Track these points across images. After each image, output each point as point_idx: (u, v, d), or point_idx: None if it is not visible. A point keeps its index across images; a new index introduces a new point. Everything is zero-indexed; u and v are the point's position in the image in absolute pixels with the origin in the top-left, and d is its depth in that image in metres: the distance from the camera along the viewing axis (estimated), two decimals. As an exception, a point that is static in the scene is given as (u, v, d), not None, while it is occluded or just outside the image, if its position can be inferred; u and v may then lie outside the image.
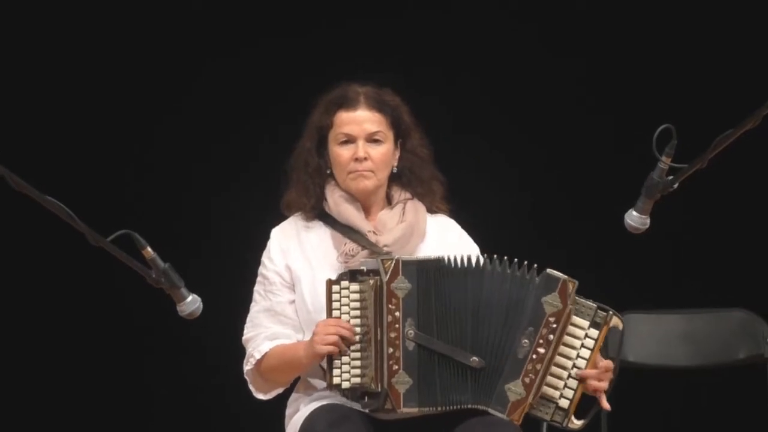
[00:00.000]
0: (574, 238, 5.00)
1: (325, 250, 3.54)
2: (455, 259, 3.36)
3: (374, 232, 3.50)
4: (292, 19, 5.08)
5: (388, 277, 3.30)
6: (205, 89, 5.08)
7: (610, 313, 3.36)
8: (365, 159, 3.50)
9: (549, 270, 3.35)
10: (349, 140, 3.52)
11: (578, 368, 3.35)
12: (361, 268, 3.37)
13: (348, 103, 3.54)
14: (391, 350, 3.29)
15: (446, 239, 3.59)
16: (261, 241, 3.65)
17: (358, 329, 3.33)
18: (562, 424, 3.36)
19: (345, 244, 3.51)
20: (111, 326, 5.09)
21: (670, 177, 3.15)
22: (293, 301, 3.53)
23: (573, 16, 5.03)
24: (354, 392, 3.33)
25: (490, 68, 5.04)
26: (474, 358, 3.31)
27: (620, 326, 3.37)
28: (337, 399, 3.40)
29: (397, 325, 3.29)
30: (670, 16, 4.98)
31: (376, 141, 3.53)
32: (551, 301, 3.32)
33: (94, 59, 5.04)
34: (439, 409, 3.32)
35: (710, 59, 4.97)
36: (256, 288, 3.58)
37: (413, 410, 3.31)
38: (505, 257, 3.37)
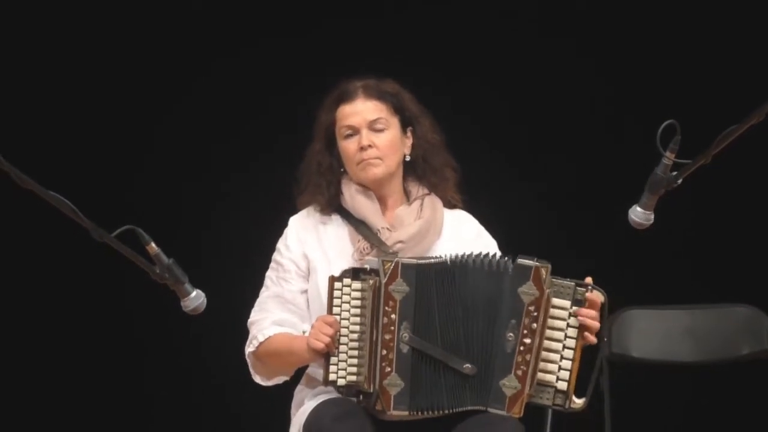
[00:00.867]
0: (578, 233, 4.99)
1: (343, 245, 3.55)
2: (452, 260, 3.37)
3: (389, 229, 3.51)
4: (293, 18, 5.08)
5: (386, 279, 3.31)
6: (208, 85, 5.08)
7: (590, 288, 3.36)
8: (370, 147, 3.52)
9: (519, 259, 3.35)
10: (353, 132, 3.54)
11: (569, 348, 3.34)
12: (365, 266, 3.38)
13: (347, 97, 3.57)
14: (384, 352, 3.30)
15: (463, 235, 3.59)
16: (264, 240, 3.65)
17: (356, 327, 3.34)
18: (564, 407, 3.36)
19: (359, 241, 3.52)
20: (111, 324, 5.09)
21: (674, 173, 3.14)
22: (305, 291, 3.54)
23: (582, 12, 5.03)
24: (349, 390, 3.34)
25: (496, 66, 5.04)
26: (467, 365, 3.31)
27: (603, 299, 3.36)
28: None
29: (392, 328, 3.30)
30: (675, 11, 4.97)
31: (378, 129, 3.54)
32: (527, 290, 3.31)
33: (97, 56, 5.05)
34: (430, 413, 3.32)
35: (714, 55, 4.97)
36: (269, 273, 3.59)
37: (403, 413, 3.31)
38: (484, 253, 3.37)
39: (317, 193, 3.59)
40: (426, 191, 3.61)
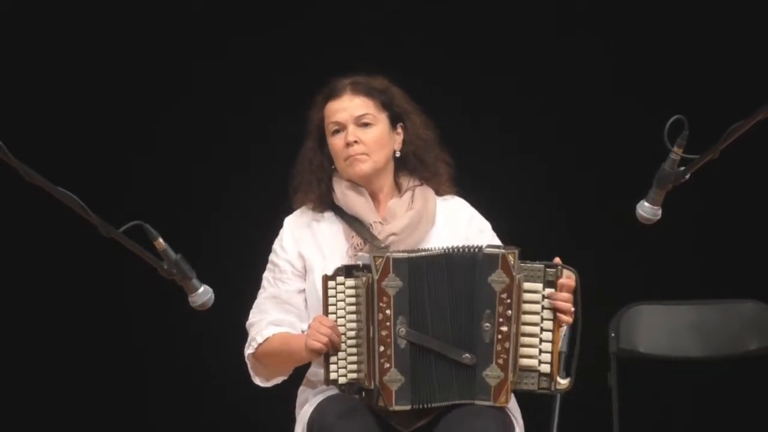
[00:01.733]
0: (585, 229, 4.99)
1: (337, 242, 3.55)
2: (440, 252, 3.36)
3: (381, 223, 3.51)
4: (296, 10, 5.08)
5: (378, 275, 3.30)
6: (210, 84, 5.08)
7: (559, 267, 3.35)
8: (356, 142, 3.52)
9: (486, 249, 3.34)
10: (340, 128, 3.55)
11: (547, 330, 3.34)
12: (357, 263, 3.38)
13: (335, 93, 3.59)
14: (382, 348, 3.29)
15: (457, 221, 3.59)
16: (268, 237, 3.66)
17: (354, 325, 3.34)
18: (550, 389, 3.35)
19: (352, 237, 3.52)
20: (111, 324, 5.09)
21: (682, 168, 3.14)
22: (302, 291, 3.54)
23: (591, 5, 5.03)
24: (351, 388, 3.34)
25: (506, 57, 5.04)
26: (466, 355, 3.31)
27: (573, 278, 3.35)
28: (342, 393, 3.42)
29: (388, 323, 3.29)
30: (683, 7, 4.96)
31: (365, 124, 3.55)
32: (497, 279, 3.31)
33: (101, 54, 5.04)
34: (433, 405, 3.32)
35: (722, 51, 4.96)
36: (266, 275, 3.60)
37: (406, 408, 3.30)
38: (463, 245, 3.37)
39: (309, 191, 3.60)
40: (417, 182, 3.61)
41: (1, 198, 4.86)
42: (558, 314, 3.34)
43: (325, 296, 3.35)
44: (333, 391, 3.41)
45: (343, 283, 3.35)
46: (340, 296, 3.35)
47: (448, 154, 3.66)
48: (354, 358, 3.33)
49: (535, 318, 3.34)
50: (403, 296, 3.30)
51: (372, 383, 3.30)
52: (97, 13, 5.01)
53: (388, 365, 3.29)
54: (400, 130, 3.61)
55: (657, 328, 4.47)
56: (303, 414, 3.45)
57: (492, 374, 3.30)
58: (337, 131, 3.55)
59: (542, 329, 3.34)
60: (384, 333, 3.29)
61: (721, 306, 4.52)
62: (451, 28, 5.05)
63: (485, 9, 5.03)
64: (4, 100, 4.91)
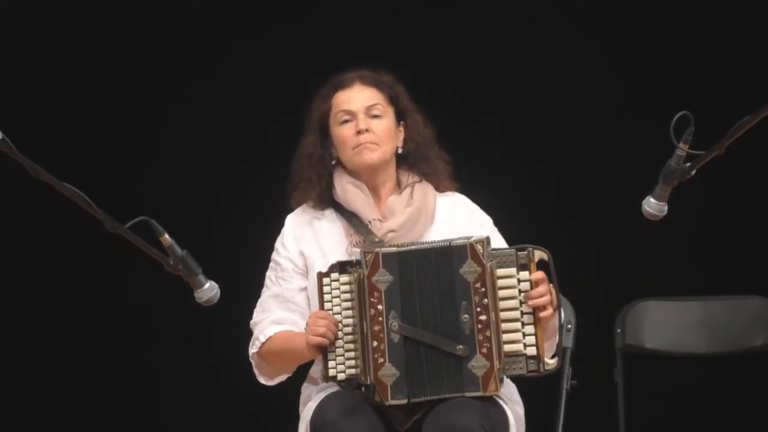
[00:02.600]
0: (591, 225, 4.99)
1: (337, 239, 3.56)
2: (429, 246, 3.36)
3: (380, 220, 3.51)
4: (301, 10, 5.09)
5: (368, 270, 3.31)
6: (217, 76, 5.08)
7: (530, 249, 3.35)
8: (367, 131, 3.52)
9: (453, 242, 3.34)
10: (350, 117, 3.55)
11: (527, 313, 3.33)
12: (352, 259, 3.38)
13: (343, 84, 3.60)
14: (375, 343, 3.30)
15: (457, 217, 3.59)
16: (271, 235, 3.66)
17: (350, 321, 3.34)
18: (539, 371, 3.35)
19: (351, 235, 3.52)
20: (118, 319, 5.10)
21: (688, 164, 3.14)
22: (304, 288, 3.55)
23: (596, 2, 5.03)
24: (350, 383, 3.35)
25: (509, 54, 5.04)
26: (460, 346, 3.31)
27: (546, 257, 3.35)
28: (343, 389, 3.42)
29: (380, 318, 3.30)
30: (688, 3, 4.96)
31: (375, 115, 3.56)
32: (468, 269, 3.31)
33: (105, 50, 5.04)
34: (429, 398, 3.32)
35: (728, 46, 4.95)
36: (268, 273, 3.61)
37: (402, 402, 3.31)
38: (441, 239, 3.38)
39: (309, 189, 3.59)
40: (417, 179, 3.61)
41: (7, 194, 4.86)
42: (539, 311, 3.33)
43: (321, 293, 3.36)
44: (336, 388, 3.42)
45: (338, 280, 3.36)
46: (335, 293, 3.36)
47: (447, 153, 3.66)
48: (351, 354, 3.34)
49: (514, 303, 3.34)
50: (395, 291, 3.31)
51: (368, 379, 3.30)
52: (102, 8, 5.01)
53: (382, 360, 3.29)
54: (401, 127, 3.61)
55: (663, 324, 4.47)
56: (306, 412, 3.45)
57: (478, 365, 3.30)
58: (346, 121, 3.55)
59: (522, 312, 3.34)
60: (376, 328, 3.30)
61: (727, 302, 4.51)
62: (450, 28, 5.05)
63: (485, 8, 5.03)
64: (10, 96, 4.91)
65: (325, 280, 3.36)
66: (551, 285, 3.35)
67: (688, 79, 4.92)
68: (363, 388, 3.32)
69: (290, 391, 3.65)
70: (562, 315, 3.52)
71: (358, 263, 3.33)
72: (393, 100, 3.60)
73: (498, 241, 3.53)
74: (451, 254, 3.32)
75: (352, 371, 3.33)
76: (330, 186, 3.58)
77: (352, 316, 3.34)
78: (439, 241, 3.38)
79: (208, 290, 3.16)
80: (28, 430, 5.08)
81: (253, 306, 3.61)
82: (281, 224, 3.65)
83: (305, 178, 3.60)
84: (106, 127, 5.06)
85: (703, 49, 4.96)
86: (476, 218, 3.62)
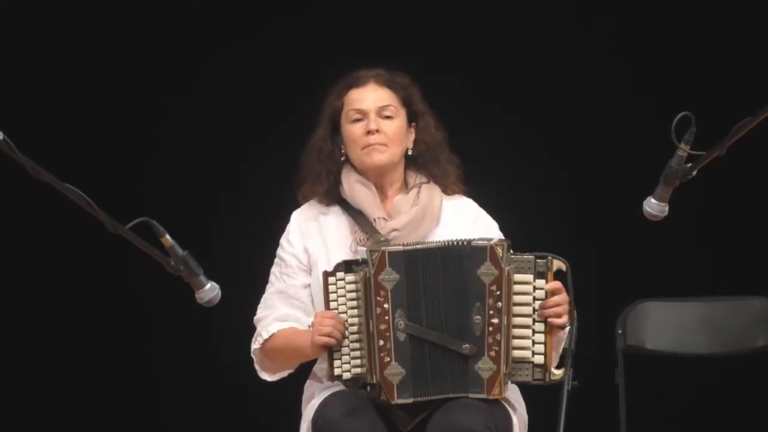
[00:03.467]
0: (592, 225, 4.99)
1: (342, 235, 3.56)
2: (436, 246, 3.37)
3: (384, 218, 3.51)
4: (296, 10, 5.09)
5: (374, 269, 3.31)
6: (218, 76, 5.08)
7: (549, 258, 3.34)
8: (377, 131, 3.52)
9: (474, 242, 3.34)
10: (361, 116, 3.55)
11: (539, 322, 3.33)
12: (357, 258, 3.38)
13: (358, 82, 3.59)
14: (381, 342, 3.30)
15: (462, 220, 3.59)
16: (276, 232, 3.66)
17: (355, 320, 3.34)
18: (544, 380, 3.35)
19: (355, 232, 3.52)
20: (121, 320, 5.10)
21: (689, 164, 3.13)
22: (308, 285, 3.55)
23: (599, 4, 5.03)
24: (356, 383, 3.35)
25: (515, 54, 5.04)
26: (466, 345, 3.31)
27: (564, 267, 3.34)
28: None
29: (386, 317, 3.30)
30: (690, 4, 4.96)
31: (387, 116, 3.55)
32: (486, 271, 3.31)
33: (106, 50, 5.04)
34: (433, 398, 3.32)
35: (729, 47, 4.95)
36: (273, 269, 3.60)
37: (408, 401, 3.31)
38: (455, 238, 3.38)
39: (316, 183, 3.59)
40: (424, 180, 3.61)
41: (8, 194, 4.86)
42: (552, 320, 3.33)
43: (326, 292, 3.36)
44: (339, 386, 3.41)
45: (343, 279, 3.36)
46: (341, 291, 3.36)
47: (457, 156, 3.66)
48: (357, 353, 3.34)
49: (527, 309, 3.34)
50: (401, 289, 3.31)
51: (374, 377, 3.30)
52: (102, 8, 5.01)
53: (388, 359, 3.29)
54: (413, 129, 3.61)
55: (664, 325, 4.47)
56: (309, 410, 3.45)
57: (484, 367, 3.30)
58: (357, 119, 3.55)
59: (534, 320, 3.34)
60: (383, 327, 3.30)
61: (728, 302, 4.51)
62: (452, 28, 5.05)
63: (487, 7, 5.03)
64: (11, 97, 4.91)
65: (331, 279, 3.35)
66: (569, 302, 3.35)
67: (690, 80, 4.92)
68: (368, 388, 3.32)
69: (294, 388, 3.64)
70: (574, 328, 3.50)
71: (363, 262, 3.33)
72: (406, 102, 3.60)
73: None
74: (467, 254, 3.32)
75: (358, 371, 3.33)
76: (338, 182, 3.58)
77: (358, 315, 3.34)
78: (453, 241, 3.37)
79: (209, 291, 3.16)
80: (35, 429, 5.09)
81: (257, 303, 3.61)
82: (285, 222, 3.64)
83: (314, 172, 3.60)
84: (107, 127, 5.06)
85: (705, 49, 4.96)
86: (482, 222, 3.61)
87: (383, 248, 3.32)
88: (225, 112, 5.07)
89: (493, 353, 3.30)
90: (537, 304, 3.34)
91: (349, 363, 3.34)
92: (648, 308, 4.48)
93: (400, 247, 3.35)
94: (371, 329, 3.30)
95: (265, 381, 3.61)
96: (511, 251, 3.34)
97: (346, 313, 3.35)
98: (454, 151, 3.66)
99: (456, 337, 3.31)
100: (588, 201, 5.00)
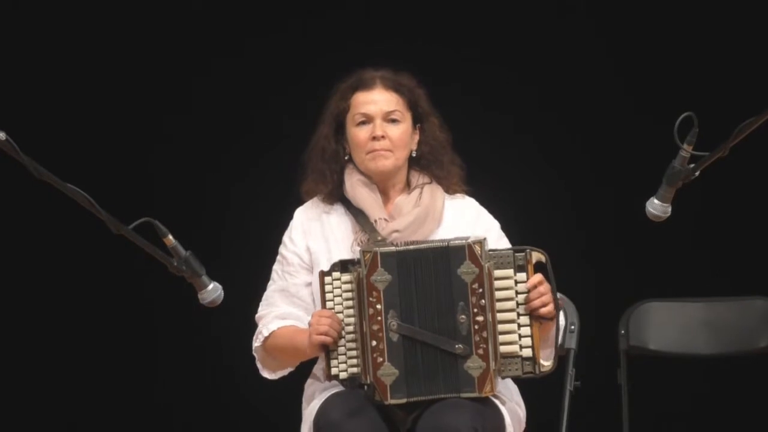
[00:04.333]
0: (595, 226, 4.99)
1: (344, 235, 3.56)
2: (429, 246, 3.36)
3: (386, 219, 3.51)
4: (312, 10, 5.09)
5: (367, 269, 3.31)
6: (222, 74, 5.08)
7: (528, 250, 3.34)
8: (383, 137, 3.52)
9: (451, 242, 3.34)
10: (367, 120, 3.54)
11: (524, 315, 3.33)
12: (354, 258, 3.38)
13: (364, 85, 3.58)
14: (374, 343, 3.30)
15: (463, 220, 3.59)
16: (280, 230, 3.66)
17: (351, 320, 3.35)
18: (535, 373, 3.35)
19: (357, 232, 3.52)
20: (127, 319, 5.10)
21: (692, 165, 3.13)
22: (309, 284, 3.55)
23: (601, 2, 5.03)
24: (352, 382, 3.35)
25: (516, 52, 5.04)
26: (459, 345, 3.31)
27: (543, 259, 3.34)
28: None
29: (379, 318, 3.30)
30: (692, 3, 4.96)
31: (393, 120, 3.55)
32: (466, 270, 3.31)
33: (112, 48, 5.05)
34: (425, 398, 3.32)
35: (731, 47, 4.95)
36: (275, 267, 3.61)
37: (401, 401, 3.31)
38: (440, 239, 3.39)
39: (320, 182, 3.59)
40: (427, 180, 3.60)
41: (10, 194, 4.86)
42: (539, 312, 3.33)
43: (322, 292, 3.36)
44: (339, 387, 3.42)
45: (339, 279, 3.36)
46: (337, 291, 3.36)
47: (461, 157, 3.66)
48: (353, 353, 3.34)
49: (511, 304, 3.34)
50: (393, 290, 3.31)
51: (368, 378, 3.30)
52: (105, 5, 5.01)
53: (381, 359, 3.29)
54: (417, 130, 3.61)
55: (667, 325, 4.46)
56: (310, 411, 3.45)
57: (474, 365, 3.30)
58: (363, 122, 3.55)
59: (519, 314, 3.34)
60: (375, 327, 3.30)
61: (731, 303, 4.50)
62: (460, 28, 5.05)
63: (493, 6, 5.03)
64: (13, 96, 4.91)
65: (327, 279, 3.36)
66: (543, 279, 3.35)
67: (692, 81, 4.92)
68: (365, 387, 3.33)
69: (296, 386, 3.64)
70: (563, 318, 3.50)
71: (359, 262, 3.33)
72: (412, 105, 3.59)
73: (505, 246, 3.52)
74: (448, 254, 3.32)
75: (354, 370, 3.34)
76: (341, 181, 3.58)
77: (354, 315, 3.34)
78: (437, 241, 3.39)
79: (212, 291, 3.16)
80: (38, 424, 5.09)
81: (260, 301, 3.61)
82: (288, 219, 3.64)
83: (317, 171, 3.60)
84: (114, 128, 5.06)
85: (707, 50, 4.96)
86: (483, 222, 3.61)
87: (375, 249, 3.32)
88: (230, 112, 5.07)
89: (481, 351, 3.30)
90: (520, 297, 3.34)
91: (345, 362, 3.34)
92: (650, 309, 4.47)
93: (393, 248, 3.35)
94: (364, 330, 3.30)
95: (266, 379, 3.61)
96: (489, 248, 3.34)
97: (342, 312, 3.35)
98: (457, 153, 3.66)
99: (447, 338, 3.31)
100: (591, 202, 5.00)
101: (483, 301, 3.30)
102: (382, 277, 3.31)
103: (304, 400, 3.57)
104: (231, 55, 5.07)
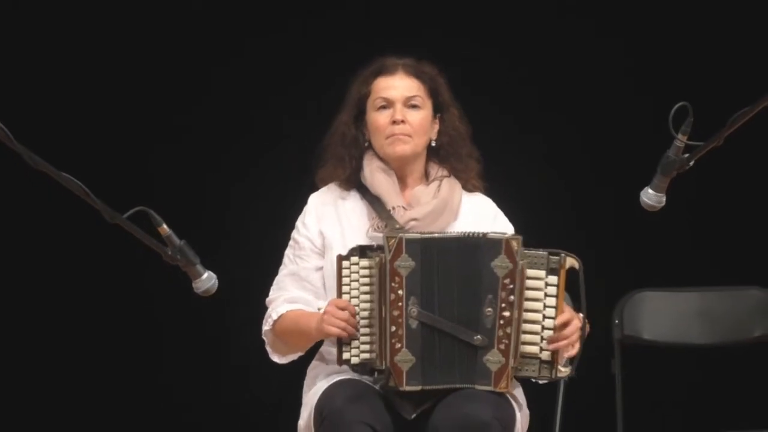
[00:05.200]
0: (589, 215, 4.99)
1: (359, 221, 3.57)
2: (452, 236, 3.38)
3: (404, 207, 3.51)
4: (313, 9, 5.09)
5: (391, 255, 3.31)
6: (222, 74, 5.08)
7: (563, 255, 3.35)
8: (402, 122, 3.53)
9: (489, 234, 3.35)
10: (387, 105, 3.56)
11: (549, 318, 3.34)
12: (373, 243, 3.39)
13: (386, 70, 3.60)
14: (393, 328, 3.30)
15: (480, 218, 3.59)
16: (292, 216, 3.66)
17: (367, 305, 3.35)
18: (550, 376, 3.36)
19: (373, 218, 3.53)
20: (131, 308, 5.11)
21: (686, 155, 3.14)
22: (320, 268, 3.55)
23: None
24: (363, 368, 3.36)
25: (514, 45, 5.04)
26: (477, 336, 3.32)
27: (576, 265, 3.36)
28: (354, 374, 3.42)
29: (400, 303, 3.31)
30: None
31: (413, 106, 3.56)
32: (500, 264, 3.32)
33: (112, 48, 5.04)
34: (440, 387, 3.33)
35: (726, 37, 4.95)
36: (287, 251, 3.61)
37: (416, 388, 3.32)
38: (471, 231, 3.38)
39: (338, 167, 3.60)
40: (446, 173, 3.61)
41: (4, 184, 4.87)
42: (565, 354, 3.35)
43: (339, 276, 3.36)
44: (342, 374, 3.42)
45: (357, 263, 3.36)
46: (354, 276, 3.36)
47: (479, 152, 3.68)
48: (367, 339, 3.34)
49: (538, 305, 3.35)
50: (416, 277, 3.32)
51: (383, 363, 3.31)
52: (105, 8, 5.01)
53: (399, 345, 3.30)
54: (437, 120, 3.62)
55: (661, 315, 4.47)
56: (311, 396, 3.45)
57: (493, 359, 3.31)
58: (383, 107, 3.56)
59: (544, 316, 3.35)
60: (396, 313, 3.31)
61: (725, 293, 4.52)
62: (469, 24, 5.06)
63: (493, 5, 5.04)
64: (8, 85, 4.91)
65: (345, 264, 3.36)
66: (578, 315, 3.38)
67: (687, 70, 4.92)
68: (376, 373, 3.34)
69: (297, 373, 3.64)
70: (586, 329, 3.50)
71: (378, 248, 3.34)
72: (433, 93, 3.61)
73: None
74: (480, 246, 3.33)
75: (366, 356, 3.34)
76: (359, 167, 3.59)
77: (370, 301, 3.34)
78: (468, 232, 3.38)
79: (206, 280, 3.16)
80: (46, 425, 5.10)
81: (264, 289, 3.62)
82: (299, 210, 3.64)
83: (336, 156, 3.61)
84: (111, 127, 5.06)
85: (702, 39, 4.96)
86: (500, 224, 3.61)
87: (400, 235, 3.33)
88: (231, 115, 5.07)
89: (502, 346, 3.31)
90: (548, 300, 3.35)
91: (358, 348, 3.34)
92: (645, 298, 4.48)
93: (418, 235, 3.36)
94: (384, 315, 3.31)
95: (265, 364, 3.61)
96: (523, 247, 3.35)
97: (358, 297, 3.35)
98: (475, 147, 3.66)
99: (467, 328, 3.31)
100: (585, 191, 5.01)
101: (512, 297, 3.31)
102: (405, 263, 3.32)
103: (305, 385, 3.58)
104: (231, 55, 5.06)
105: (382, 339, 3.31)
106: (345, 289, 3.36)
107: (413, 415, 3.34)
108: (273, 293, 3.58)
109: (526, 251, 3.34)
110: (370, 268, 3.34)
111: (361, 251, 3.36)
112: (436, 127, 3.62)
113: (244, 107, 5.06)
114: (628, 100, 5.01)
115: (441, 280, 3.33)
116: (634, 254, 4.97)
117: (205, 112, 5.07)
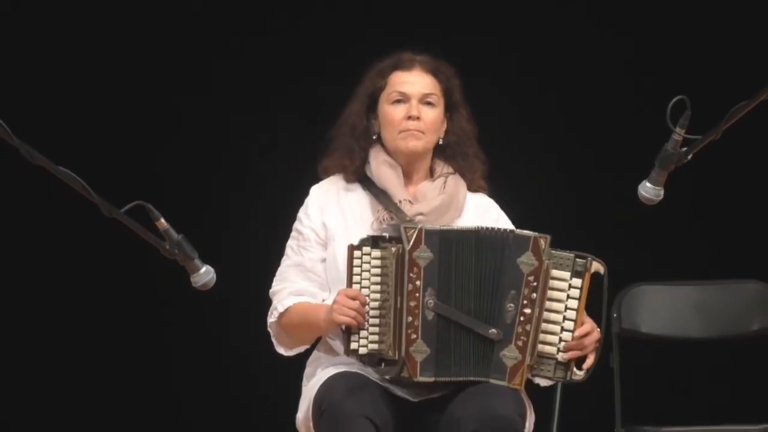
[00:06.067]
0: (588, 209, 5.00)
1: (362, 213, 3.56)
2: (470, 230, 3.38)
3: (410, 201, 3.52)
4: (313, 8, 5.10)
5: (410, 245, 3.31)
6: (222, 74, 5.08)
7: (589, 259, 3.35)
8: (417, 118, 3.53)
9: (517, 231, 3.36)
10: (403, 99, 3.55)
11: (569, 320, 3.34)
12: (384, 234, 3.39)
13: (404, 65, 3.59)
14: (410, 319, 3.30)
15: (484, 218, 3.59)
16: (293, 208, 3.66)
17: (377, 296, 3.34)
18: (565, 378, 3.36)
19: (379, 210, 3.53)
20: (135, 302, 5.11)
21: (684, 148, 3.14)
22: (324, 259, 3.55)
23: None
24: (371, 358, 3.34)
25: (515, 38, 5.04)
26: (493, 330, 3.32)
27: (602, 270, 3.36)
28: (354, 366, 3.41)
29: (417, 294, 3.30)
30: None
31: (428, 103, 3.56)
32: (526, 261, 3.32)
33: (112, 48, 5.04)
34: (453, 379, 3.33)
35: (725, 30, 4.95)
36: (289, 243, 3.60)
37: (429, 380, 3.31)
38: (494, 226, 3.39)
39: (346, 157, 3.59)
40: (451, 171, 3.62)
41: (6, 180, 4.87)
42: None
43: (350, 266, 3.35)
44: (341, 366, 3.43)
45: (369, 254, 3.35)
46: (366, 266, 3.35)
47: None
48: (376, 329, 3.33)
49: (559, 306, 3.35)
50: (433, 268, 3.31)
51: (396, 353, 3.30)
52: (105, 8, 5.01)
53: (414, 336, 3.29)
54: (446, 119, 3.63)
55: (659, 308, 4.48)
56: (310, 388, 3.45)
57: (510, 355, 3.31)
58: (399, 101, 3.55)
59: (565, 318, 3.35)
60: (412, 304, 3.30)
61: (723, 286, 4.52)
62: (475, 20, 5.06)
63: (493, 5, 5.04)
64: (7, 80, 4.91)
65: (356, 253, 3.35)
66: (596, 328, 3.39)
67: (685, 64, 4.93)
68: (383, 364, 3.33)
69: (294, 365, 3.64)
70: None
71: (392, 239, 3.34)
72: (447, 92, 3.61)
73: None
74: (508, 242, 3.34)
75: (375, 346, 3.33)
76: (366, 159, 3.59)
77: (381, 292, 3.34)
78: (492, 227, 3.39)
79: (204, 275, 3.16)
80: (50, 421, 5.10)
81: (266, 287, 3.62)
82: (299, 204, 3.64)
83: (344, 146, 3.60)
84: (111, 127, 5.06)
85: (700, 33, 4.96)
86: (502, 225, 3.60)
87: (420, 226, 3.33)
88: (239, 95, 5.07)
89: (520, 343, 3.30)
90: (570, 302, 3.35)
91: (366, 338, 3.33)
92: (643, 292, 4.49)
93: (437, 227, 3.36)
94: (399, 305, 3.30)
95: (265, 356, 3.61)
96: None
97: (368, 288, 3.34)
98: (481, 148, 3.67)
99: (483, 322, 3.32)
100: (584, 184, 5.01)
101: (534, 294, 3.31)
102: (424, 254, 3.31)
103: (304, 377, 3.57)
104: (231, 55, 5.06)
105: (397, 329, 3.30)
106: (356, 279, 3.35)
107: (419, 399, 3.34)
108: (277, 284, 3.57)
109: (552, 251, 3.35)
110: (383, 258, 3.34)
111: (374, 241, 3.36)
112: (445, 126, 3.62)
113: (244, 107, 5.06)
114: (627, 94, 5.01)
115: (459, 273, 3.33)
116: (633, 248, 4.97)
117: (206, 107, 5.07)
